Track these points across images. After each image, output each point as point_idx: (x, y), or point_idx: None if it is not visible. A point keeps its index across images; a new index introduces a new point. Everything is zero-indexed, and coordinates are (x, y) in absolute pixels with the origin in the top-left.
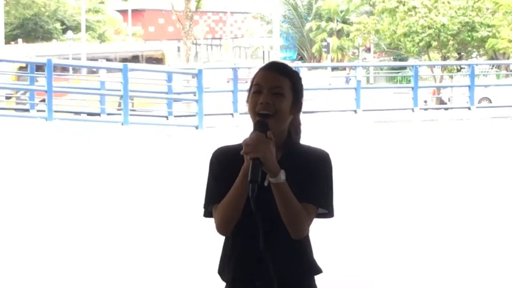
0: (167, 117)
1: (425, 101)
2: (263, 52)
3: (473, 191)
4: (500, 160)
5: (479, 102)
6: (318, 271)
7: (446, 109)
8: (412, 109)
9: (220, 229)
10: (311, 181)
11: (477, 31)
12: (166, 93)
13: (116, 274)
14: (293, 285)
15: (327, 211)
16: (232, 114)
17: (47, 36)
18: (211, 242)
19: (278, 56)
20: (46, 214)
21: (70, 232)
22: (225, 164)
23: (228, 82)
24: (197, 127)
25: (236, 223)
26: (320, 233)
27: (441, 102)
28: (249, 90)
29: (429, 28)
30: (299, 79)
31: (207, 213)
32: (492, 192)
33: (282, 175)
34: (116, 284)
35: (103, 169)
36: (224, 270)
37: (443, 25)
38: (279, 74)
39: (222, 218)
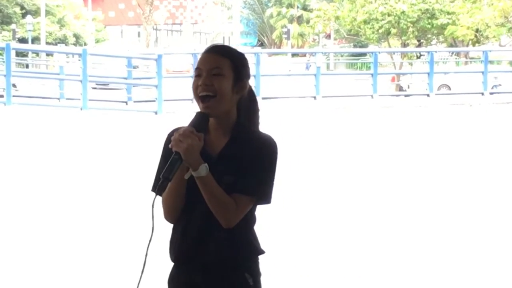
0: (126, 103)
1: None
2: (223, 38)
3: (429, 177)
4: (458, 146)
5: (439, 89)
6: (260, 252)
7: (405, 96)
8: (372, 96)
9: (166, 217)
10: (248, 170)
11: (436, 18)
12: (126, 78)
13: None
14: (230, 266)
15: (264, 200)
16: (191, 100)
17: (6, 20)
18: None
19: (238, 42)
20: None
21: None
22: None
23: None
24: (156, 113)
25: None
26: (269, 218)
27: (400, 89)
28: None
29: (389, 15)
30: (241, 59)
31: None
32: (448, 176)
33: (203, 170)
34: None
35: (61, 154)
36: (170, 251)
37: (403, 12)
38: (218, 55)
39: (165, 207)
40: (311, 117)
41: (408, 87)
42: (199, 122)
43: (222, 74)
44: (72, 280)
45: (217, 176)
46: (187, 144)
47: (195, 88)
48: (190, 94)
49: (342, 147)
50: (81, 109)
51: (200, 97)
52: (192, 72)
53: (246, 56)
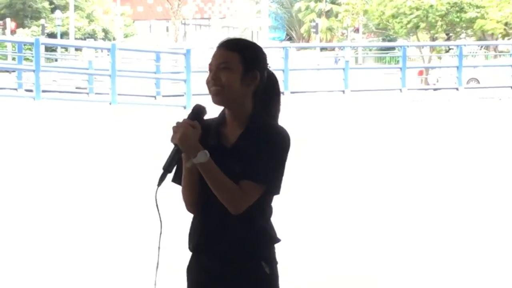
0: (155, 97)
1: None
2: (252, 32)
3: (461, 172)
4: (488, 140)
5: (467, 83)
6: (276, 240)
7: (434, 90)
8: (400, 90)
9: (187, 208)
10: (257, 158)
11: (465, 12)
12: (155, 72)
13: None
14: (246, 254)
15: (272, 189)
16: None
17: (35, 15)
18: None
19: (266, 36)
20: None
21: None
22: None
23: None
24: (185, 107)
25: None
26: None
27: (426, 83)
28: None
29: (417, 9)
30: (252, 50)
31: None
32: (480, 172)
33: (202, 157)
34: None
35: (90, 149)
36: (189, 240)
37: (431, 6)
38: (225, 50)
39: (184, 199)
40: (339, 111)
41: (437, 81)
42: (193, 112)
43: (229, 68)
44: (81, 273)
45: (228, 166)
46: (180, 133)
47: (207, 83)
48: None
49: (369, 141)
50: (110, 103)
51: (211, 91)
52: None
53: (274, 50)
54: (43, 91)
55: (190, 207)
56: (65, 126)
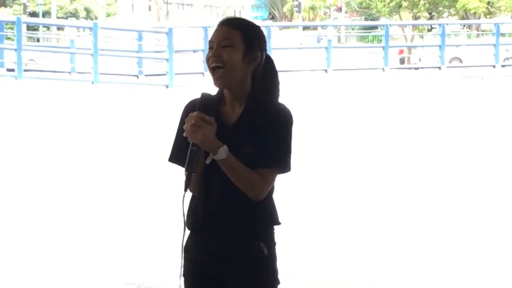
0: (137, 76)
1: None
2: (234, 11)
3: (444, 153)
4: (468, 119)
5: (450, 62)
6: (276, 222)
7: (416, 69)
8: (383, 69)
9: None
10: (267, 142)
11: None
12: (137, 52)
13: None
14: (247, 234)
15: (285, 169)
16: (202, 73)
17: None
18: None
19: (249, 15)
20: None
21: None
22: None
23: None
24: (167, 86)
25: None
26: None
27: (401, 62)
28: None
29: None
30: (254, 30)
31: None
32: (465, 153)
33: (223, 153)
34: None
35: (73, 128)
36: (188, 219)
37: None
38: (229, 28)
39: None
40: (322, 91)
41: (420, 60)
42: (205, 104)
43: (232, 45)
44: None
45: (234, 146)
46: (201, 134)
47: (207, 60)
48: (201, 68)
49: (353, 121)
50: (92, 83)
51: (211, 68)
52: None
53: None
54: (25, 70)
55: (193, 185)
56: (47, 105)
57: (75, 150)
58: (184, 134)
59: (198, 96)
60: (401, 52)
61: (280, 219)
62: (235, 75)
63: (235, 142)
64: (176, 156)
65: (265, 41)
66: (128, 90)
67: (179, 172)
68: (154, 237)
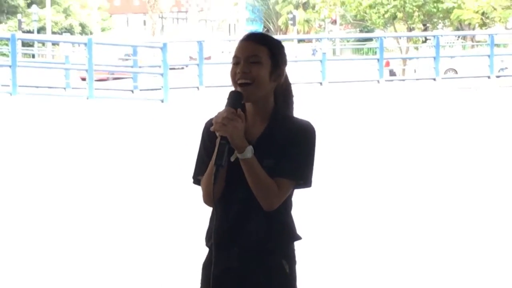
0: (132, 91)
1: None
2: (229, 25)
3: (440, 162)
4: (463, 130)
5: (445, 73)
6: (296, 237)
7: (400, 80)
8: (378, 81)
9: (205, 200)
10: (289, 154)
11: (442, 2)
12: (132, 67)
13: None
14: (268, 251)
15: (304, 182)
16: (197, 88)
17: (12, 10)
18: (199, 211)
19: (244, 29)
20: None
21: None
22: (213, 135)
23: (190, 59)
24: (162, 101)
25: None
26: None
27: (391, 73)
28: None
29: None
30: (279, 46)
31: (196, 181)
32: (459, 160)
33: (249, 152)
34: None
35: (68, 144)
36: (206, 236)
37: None
38: (256, 43)
39: (204, 190)
40: (317, 104)
41: (415, 72)
42: (235, 101)
43: (260, 62)
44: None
45: (257, 159)
46: (232, 126)
47: (233, 76)
48: (196, 82)
49: (348, 133)
50: (87, 98)
51: (238, 85)
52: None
53: None
54: (20, 86)
55: (211, 199)
56: (43, 121)
57: (71, 166)
58: (211, 128)
59: (192, 115)
60: (387, 64)
61: (301, 234)
62: (262, 91)
63: (258, 157)
64: (204, 170)
65: (286, 57)
66: (123, 105)
67: (180, 186)
68: (168, 255)
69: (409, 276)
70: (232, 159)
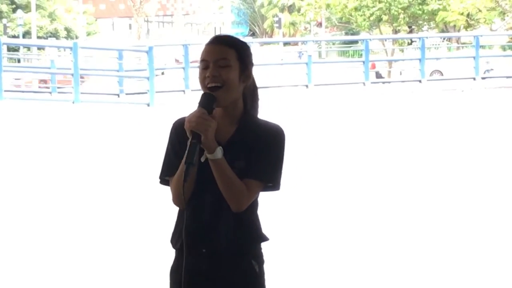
0: (118, 95)
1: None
2: (215, 28)
3: (425, 164)
4: (448, 132)
5: (431, 75)
6: (264, 238)
7: (384, 82)
8: (364, 83)
9: (174, 201)
10: (259, 156)
11: (427, 4)
12: (117, 70)
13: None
14: (238, 252)
15: (272, 185)
16: (183, 91)
17: None
18: (166, 211)
19: (229, 32)
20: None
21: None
22: (182, 135)
23: (176, 62)
24: (148, 105)
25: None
26: (271, 204)
27: (377, 76)
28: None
29: (380, 2)
30: (246, 48)
31: (163, 181)
32: (444, 162)
33: (219, 153)
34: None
35: (55, 148)
36: (174, 238)
37: None
38: (223, 46)
39: (174, 191)
40: (303, 106)
41: (400, 74)
42: (207, 103)
43: (229, 65)
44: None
45: (228, 162)
46: (206, 125)
47: (203, 80)
48: (182, 86)
49: (336, 134)
50: (73, 102)
51: (208, 88)
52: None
53: None
54: (6, 91)
55: (180, 199)
56: (29, 126)
57: (58, 170)
58: (185, 126)
59: (176, 115)
60: (373, 66)
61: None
62: (232, 94)
63: (229, 159)
64: (171, 170)
65: (252, 57)
66: (109, 109)
67: (162, 191)
68: (139, 260)
69: (379, 276)
70: (202, 159)
